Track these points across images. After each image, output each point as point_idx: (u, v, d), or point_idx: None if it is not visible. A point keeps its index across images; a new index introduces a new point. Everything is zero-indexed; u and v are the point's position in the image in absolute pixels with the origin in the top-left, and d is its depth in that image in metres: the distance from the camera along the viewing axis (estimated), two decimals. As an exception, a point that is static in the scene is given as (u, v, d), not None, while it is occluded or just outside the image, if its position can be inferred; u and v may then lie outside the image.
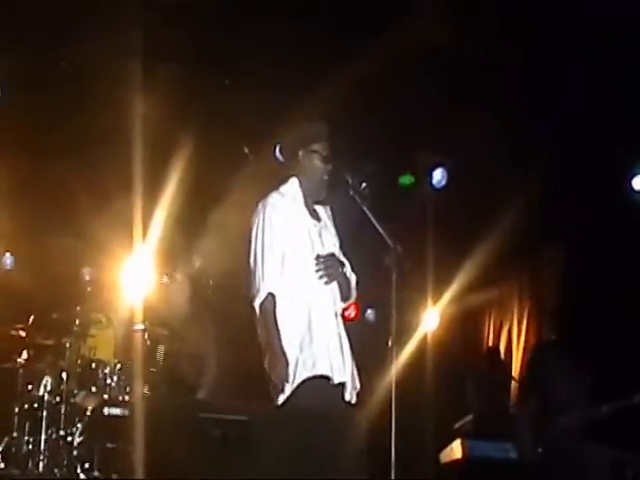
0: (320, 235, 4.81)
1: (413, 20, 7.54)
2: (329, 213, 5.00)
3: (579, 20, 7.59)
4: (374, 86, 8.26)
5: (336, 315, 4.75)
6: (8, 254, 9.84)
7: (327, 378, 4.57)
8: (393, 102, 8.71)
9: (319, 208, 4.95)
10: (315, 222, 4.84)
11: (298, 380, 4.52)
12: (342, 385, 4.63)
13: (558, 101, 8.45)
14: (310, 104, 4.83)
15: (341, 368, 4.62)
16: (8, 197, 8.93)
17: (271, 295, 4.59)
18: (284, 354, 4.49)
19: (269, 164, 5.13)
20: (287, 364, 4.48)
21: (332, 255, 4.78)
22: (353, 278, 4.95)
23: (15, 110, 8.44)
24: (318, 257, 4.70)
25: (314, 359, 4.55)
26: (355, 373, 4.74)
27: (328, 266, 4.71)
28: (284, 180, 4.89)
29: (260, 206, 4.75)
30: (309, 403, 4.50)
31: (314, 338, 4.58)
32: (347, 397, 4.66)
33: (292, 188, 4.83)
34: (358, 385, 4.76)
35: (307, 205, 4.85)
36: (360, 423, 4.68)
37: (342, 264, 4.84)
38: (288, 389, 4.51)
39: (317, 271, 4.68)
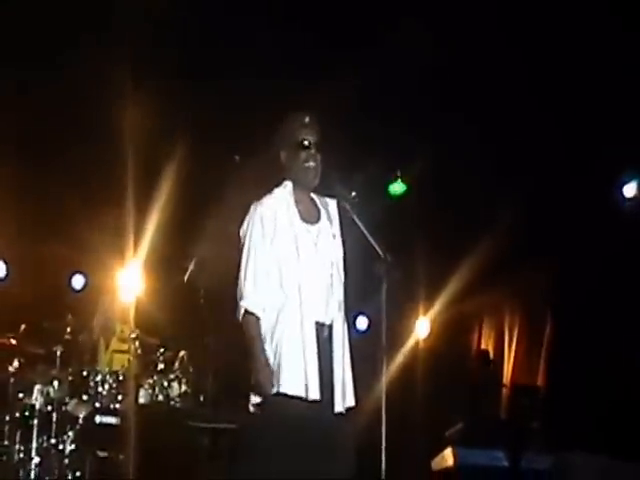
0: (316, 239, 4.66)
1: (400, 33, 7.58)
2: (334, 208, 4.81)
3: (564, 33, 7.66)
4: (363, 95, 8.30)
5: (324, 326, 4.56)
6: (1, 262, 9.82)
7: (289, 396, 4.40)
8: (381, 111, 8.73)
9: (323, 203, 4.80)
10: (309, 226, 4.69)
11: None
12: (318, 402, 4.42)
13: (547, 111, 8.48)
14: (296, 110, 4.83)
15: (315, 385, 4.42)
16: (0, 206, 8.93)
17: (248, 312, 4.51)
18: (268, 365, 4.42)
19: (260, 170, 5.11)
20: (271, 375, 4.40)
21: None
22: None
23: (6, 120, 8.44)
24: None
25: (281, 376, 4.41)
26: (347, 388, 4.57)
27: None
28: (279, 183, 4.82)
29: (251, 210, 4.68)
30: (271, 420, 4.43)
31: (283, 354, 4.45)
32: (335, 411, 4.53)
33: (285, 191, 4.71)
34: (351, 401, 4.56)
35: (300, 208, 4.70)
36: (349, 434, 4.61)
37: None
38: (255, 402, 4.49)
39: None
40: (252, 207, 4.69)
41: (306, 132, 4.71)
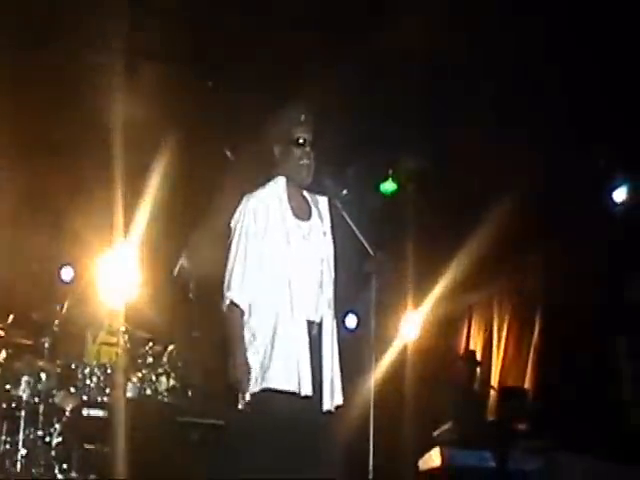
0: (307, 236, 4.66)
1: (397, 26, 7.57)
2: (325, 206, 4.81)
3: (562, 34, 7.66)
4: (356, 93, 8.29)
5: (313, 324, 4.55)
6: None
7: (282, 392, 4.39)
8: (375, 107, 8.72)
9: (315, 200, 4.79)
10: (301, 222, 4.68)
11: (253, 391, 4.38)
12: (309, 398, 4.42)
13: (541, 112, 8.48)
14: (292, 107, 4.82)
15: (307, 381, 4.41)
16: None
17: (234, 304, 4.48)
18: (246, 363, 4.40)
19: (252, 164, 5.10)
20: (248, 373, 4.38)
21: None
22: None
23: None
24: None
25: (272, 371, 4.39)
26: (336, 387, 4.55)
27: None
28: (271, 177, 4.80)
29: (243, 202, 4.65)
30: (260, 416, 4.39)
31: (275, 349, 4.42)
32: (323, 409, 4.47)
33: (277, 186, 4.70)
34: (339, 399, 4.55)
35: (292, 204, 4.69)
36: (337, 432, 4.60)
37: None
38: (242, 398, 4.44)
39: None
40: (244, 199, 4.68)
41: (302, 130, 4.72)
